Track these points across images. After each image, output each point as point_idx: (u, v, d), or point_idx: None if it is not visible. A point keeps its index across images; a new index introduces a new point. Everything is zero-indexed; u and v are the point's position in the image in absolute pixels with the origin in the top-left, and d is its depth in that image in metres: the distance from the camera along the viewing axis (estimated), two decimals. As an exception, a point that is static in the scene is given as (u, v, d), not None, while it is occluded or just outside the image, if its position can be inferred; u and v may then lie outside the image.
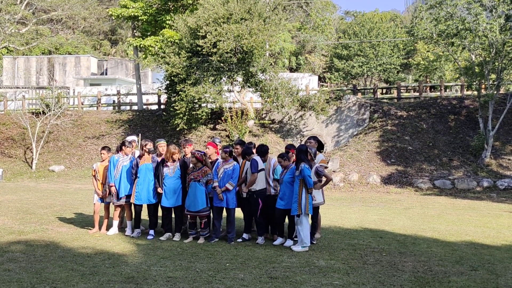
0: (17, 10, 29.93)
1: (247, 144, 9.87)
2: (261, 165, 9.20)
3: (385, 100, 27.48)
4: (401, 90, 31.68)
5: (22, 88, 38.49)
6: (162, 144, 9.89)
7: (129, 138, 10.72)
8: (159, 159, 9.76)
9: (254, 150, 9.63)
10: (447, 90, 33.08)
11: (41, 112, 27.49)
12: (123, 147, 9.95)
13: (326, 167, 9.61)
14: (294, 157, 9.01)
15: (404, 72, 54.52)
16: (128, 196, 9.74)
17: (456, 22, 20.78)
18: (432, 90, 37.91)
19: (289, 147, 9.32)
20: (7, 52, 45.03)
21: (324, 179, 9.29)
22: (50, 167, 24.94)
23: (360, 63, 50.70)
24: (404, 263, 7.72)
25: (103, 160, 10.18)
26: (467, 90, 26.74)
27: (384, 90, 40.53)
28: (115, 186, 9.73)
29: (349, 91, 29.45)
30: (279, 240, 9.03)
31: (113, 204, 9.94)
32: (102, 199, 10.10)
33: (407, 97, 29.42)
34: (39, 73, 45.85)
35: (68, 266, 7.24)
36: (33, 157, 25.48)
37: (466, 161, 20.59)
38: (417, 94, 28.65)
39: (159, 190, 9.42)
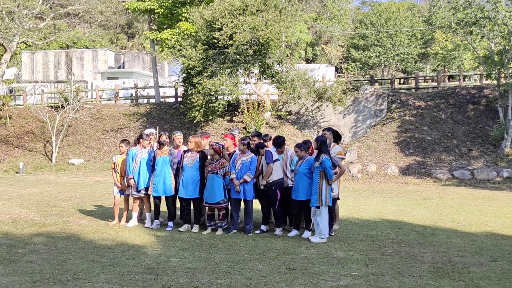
0: (35, 5, 30.10)
1: (263, 136, 9.88)
2: (275, 155, 9.22)
3: (403, 90, 27.25)
4: (419, 80, 31.38)
5: (41, 82, 38.90)
6: (178, 136, 9.97)
7: (147, 131, 10.79)
8: (176, 151, 9.83)
9: (270, 142, 9.66)
10: (466, 79, 32.69)
11: (60, 106, 27.78)
12: (141, 140, 10.02)
13: (343, 159, 9.60)
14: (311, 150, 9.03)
15: (422, 62, 53.99)
16: (147, 188, 9.83)
17: (474, 10, 20.50)
18: (451, 79, 37.47)
19: (309, 144, 9.27)
20: (26, 47, 45.50)
21: (338, 170, 9.27)
22: (69, 160, 25.22)
23: (377, 53, 50.32)
24: (423, 254, 7.69)
25: (122, 153, 10.26)
26: (486, 79, 26.40)
27: (402, 80, 40.21)
28: (133, 178, 9.81)
29: (367, 81, 29.26)
30: (293, 232, 9.05)
31: (132, 196, 10.04)
32: (121, 191, 10.20)
33: (425, 87, 29.15)
34: (57, 67, 46.30)
35: (89, 258, 7.34)
36: (53, 150, 25.78)
37: (486, 151, 20.36)
38: (435, 84, 28.37)
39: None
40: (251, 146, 9.49)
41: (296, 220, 9.15)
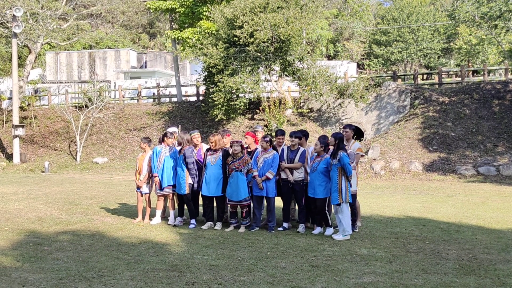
0: (58, 6, 30.51)
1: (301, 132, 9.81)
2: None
3: (426, 86, 26.94)
4: (443, 75, 30.97)
5: (65, 82, 39.45)
6: (196, 136, 10.04)
7: (170, 129, 10.86)
8: (196, 150, 9.89)
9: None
10: (491, 74, 32.16)
11: (84, 106, 28.12)
12: (165, 138, 10.10)
13: (362, 155, 9.57)
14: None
15: (445, 57, 53.35)
16: (173, 186, 9.89)
17: (499, 3, 20.17)
18: (475, 74, 36.98)
19: (326, 139, 9.18)
20: (50, 48, 46.18)
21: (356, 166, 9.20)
22: (93, 159, 25.53)
23: (399, 49, 49.87)
24: (448, 251, 7.60)
25: (144, 151, 10.36)
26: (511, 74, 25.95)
27: (425, 76, 39.77)
28: (158, 176, 9.90)
29: (389, 77, 28.99)
30: (317, 230, 9.03)
31: (156, 194, 10.13)
32: (138, 188, 10.28)
33: (449, 82, 28.77)
34: (80, 67, 46.88)
35: (114, 255, 7.42)
36: (77, 149, 26.12)
37: (512, 147, 20.02)
38: (459, 79, 27.99)
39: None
40: (273, 143, 9.49)
41: (317, 217, 9.12)
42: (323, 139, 9.01)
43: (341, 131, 9.42)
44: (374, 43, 53.02)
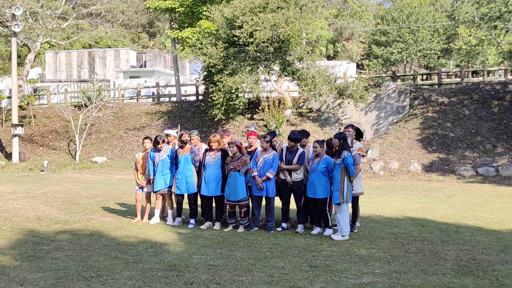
0: (58, 5, 30.50)
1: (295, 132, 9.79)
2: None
3: (425, 87, 26.93)
4: (442, 76, 30.97)
5: (64, 81, 39.40)
6: (194, 136, 10.03)
7: (166, 131, 10.82)
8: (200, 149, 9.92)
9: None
10: (490, 75, 32.17)
11: (83, 105, 28.09)
12: (157, 145, 9.96)
13: (363, 155, 9.55)
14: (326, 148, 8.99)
15: (445, 58, 53.38)
16: (170, 186, 9.88)
17: (499, 4, 20.18)
18: (474, 75, 37.00)
19: (322, 143, 9.18)
20: (49, 47, 46.13)
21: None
22: (93, 158, 25.51)
23: (399, 49, 49.88)
24: (447, 252, 7.60)
25: (146, 150, 10.31)
26: (511, 75, 25.96)
27: (424, 76, 39.76)
28: (154, 179, 9.91)
29: (388, 78, 28.98)
30: (316, 230, 9.03)
31: (153, 193, 10.12)
32: (141, 188, 10.28)
33: (448, 83, 28.77)
34: (80, 66, 46.85)
35: (112, 255, 7.42)
36: (76, 149, 26.10)
37: (511, 148, 20.02)
38: (459, 79, 27.99)
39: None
40: (272, 143, 9.48)
41: (316, 217, 9.11)
42: (325, 142, 9.03)
43: (344, 131, 9.41)
44: (373, 43, 53.04)
